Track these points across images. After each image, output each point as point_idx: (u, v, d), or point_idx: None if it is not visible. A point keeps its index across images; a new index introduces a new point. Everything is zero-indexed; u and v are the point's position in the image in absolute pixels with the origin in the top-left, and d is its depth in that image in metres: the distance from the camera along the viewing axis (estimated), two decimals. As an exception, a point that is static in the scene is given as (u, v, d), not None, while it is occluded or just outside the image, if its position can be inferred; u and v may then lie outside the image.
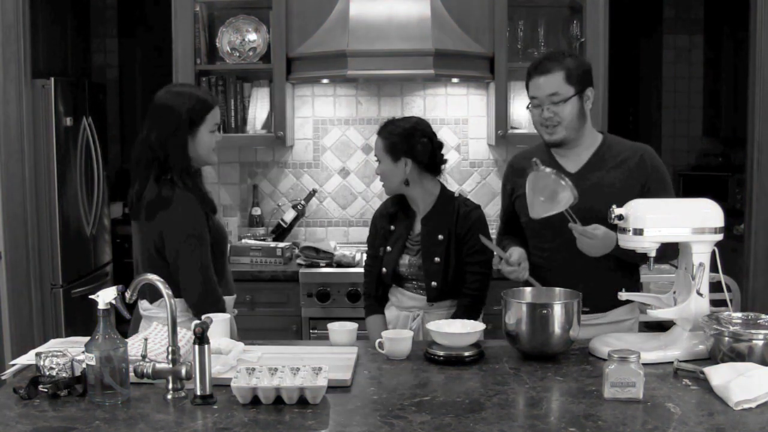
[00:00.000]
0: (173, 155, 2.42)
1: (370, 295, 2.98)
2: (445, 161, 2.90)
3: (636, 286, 2.57)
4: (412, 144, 2.78)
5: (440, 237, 2.79)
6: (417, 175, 2.81)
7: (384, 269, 2.89)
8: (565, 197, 2.28)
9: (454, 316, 2.73)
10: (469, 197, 3.12)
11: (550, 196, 2.30)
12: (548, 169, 2.32)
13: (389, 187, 2.87)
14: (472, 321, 2.38)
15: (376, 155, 2.88)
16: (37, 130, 4.27)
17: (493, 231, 3.01)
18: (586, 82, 2.48)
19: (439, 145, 2.87)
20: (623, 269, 2.49)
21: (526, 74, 2.51)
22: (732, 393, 1.83)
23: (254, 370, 1.94)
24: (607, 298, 2.42)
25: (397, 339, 2.25)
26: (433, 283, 2.79)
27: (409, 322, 2.84)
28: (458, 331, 2.27)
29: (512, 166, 2.68)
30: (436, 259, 2.77)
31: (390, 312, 2.92)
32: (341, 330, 2.38)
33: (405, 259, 2.86)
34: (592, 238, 2.30)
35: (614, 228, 2.26)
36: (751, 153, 4.00)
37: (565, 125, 2.45)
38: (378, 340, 2.26)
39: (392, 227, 2.91)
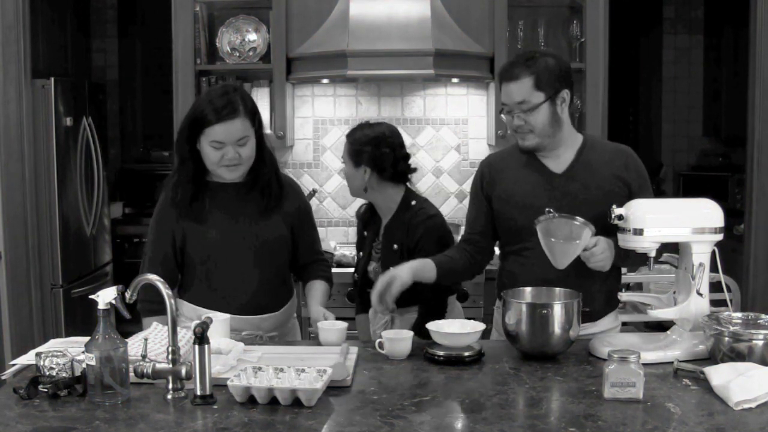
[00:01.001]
0: (175, 146, 2.48)
1: (358, 296, 3.03)
2: (412, 170, 2.87)
3: (618, 292, 2.52)
4: (372, 153, 2.77)
5: (395, 247, 2.78)
6: (376, 183, 2.81)
7: (355, 274, 2.95)
8: (585, 235, 2.21)
9: (413, 327, 2.69)
10: (429, 203, 2.91)
11: (567, 238, 2.23)
12: (561, 216, 2.24)
13: (351, 189, 2.90)
14: (471, 321, 2.37)
15: (342, 156, 2.89)
16: (37, 130, 4.27)
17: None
18: (559, 85, 2.36)
19: (404, 156, 2.84)
20: (607, 276, 2.39)
21: (497, 78, 2.43)
22: (732, 393, 1.83)
23: (260, 369, 1.94)
24: (593, 307, 2.39)
25: (397, 339, 2.25)
26: None
27: (378, 324, 2.86)
28: (458, 331, 2.27)
29: (491, 165, 2.54)
30: (391, 268, 2.76)
31: (370, 312, 2.94)
32: (332, 329, 2.36)
33: (371, 266, 2.88)
34: (602, 252, 2.24)
35: (605, 231, 2.25)
36: (751, 153, 4.00)
37: (537, 132, 2.37)
38: (378, 340, 2.26)
39: (365, 233, 2.95)
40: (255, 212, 2.50)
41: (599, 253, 2.23)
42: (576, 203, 2.33)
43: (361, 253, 2.95)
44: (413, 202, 2.81)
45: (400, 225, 2.80)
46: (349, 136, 2.86)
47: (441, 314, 2.74)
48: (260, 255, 2.50)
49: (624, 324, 3.07)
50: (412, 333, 2.31)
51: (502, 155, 2.56)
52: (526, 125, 2.37)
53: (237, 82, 3.83)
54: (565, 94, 2.38)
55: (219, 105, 2.36)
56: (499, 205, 2.48)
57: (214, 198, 2.49)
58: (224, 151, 2.38)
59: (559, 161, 2.44)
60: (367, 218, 2.96)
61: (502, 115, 2.44)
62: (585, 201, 2.34)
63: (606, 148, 2.49)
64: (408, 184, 2.88)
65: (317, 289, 2.59)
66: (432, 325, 2.29)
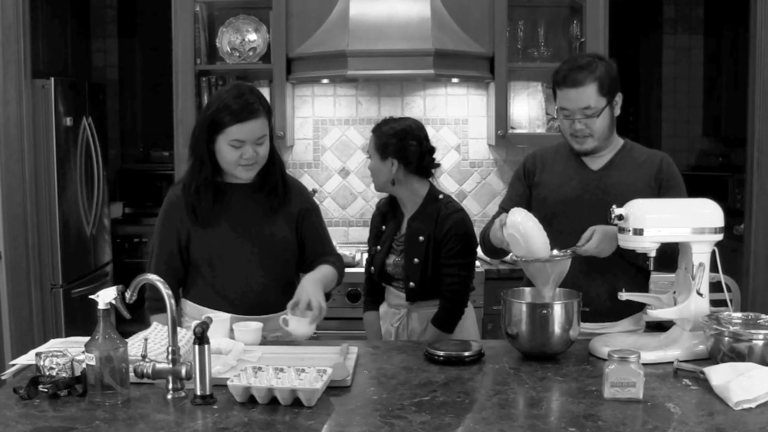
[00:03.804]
0: (191, 148, 2.45)
1: (368, 292, 3.04)
2: (436, 165, 2.92)
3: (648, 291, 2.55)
4: (400, 146, 2.81)
5: (421, 238, 2.81)
6: (403, 176, 2.84)
7: (372, 268, 2.95)
8: (564, 266, 2.30)
9: (434, 318, 2.77)
10: (455, 199, 3.07)
11: (546, 277, 2.31)
12: (533, 261, 2.29)
13: (377, 183, 2.93)
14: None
15: (368, 151, 2.93)
16: (37, 130, 4.27)
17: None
18: (615, 89, 2.46)
19: (430, 149, 2.88)
20: (634, 274, 2.48)
21: (554, 81, 2.47)
22: (732, 393, 1.83)
23: (260, 369, 1.94)
24: (618, 306, 2.41)
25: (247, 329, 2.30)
26: (411, 284, 2.82)
27: (394, 319, 2.88)
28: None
29: (536, 156, 2.64)
30: (416, 260, 2.80)
31: (382, 308, 2.97)
32: (246, 329, 2.35)
33: (391, 259, 2.89)
34: (596, 247, 2.30)
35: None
36: (751, 153, 4.00)
37: (597, 137, 2.45)
38: (282, 317, 2.32)
39: (383, 227, 2.96)
40: (260, 213, 2.49)
41: (593, 248, 2.30)
42: (608, 198, 2.38)
43: (378, 248, 2.94)
44: (440, 196, 2.88)
45: (426, 217, 2.83)
46: (375, 130, 2.89)
47: (462, 308, 2.78)
48: (264, 256, 2.49)
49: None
50: (260, 324, 2.35)
51: (548, 150, 2.66)
52: (587, 129, 2.44)
53: (245, 83, 3.81)
54: (618, 97, 2.47)
55: (240, 104, 2.34)
56: (536, 192, 2.58)
57: (220, 199, 2.48)
58: (242, 151, 2.37)
59: (598, 160, 2.54)
60: (386, 212, 2.97)
61: (557, 120, 2.50)
62: (617, 196, 2.37)
63: (643, 151, 2.57)
64: (431, 180, 2.92)
65: (318, 268, 2.50)
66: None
